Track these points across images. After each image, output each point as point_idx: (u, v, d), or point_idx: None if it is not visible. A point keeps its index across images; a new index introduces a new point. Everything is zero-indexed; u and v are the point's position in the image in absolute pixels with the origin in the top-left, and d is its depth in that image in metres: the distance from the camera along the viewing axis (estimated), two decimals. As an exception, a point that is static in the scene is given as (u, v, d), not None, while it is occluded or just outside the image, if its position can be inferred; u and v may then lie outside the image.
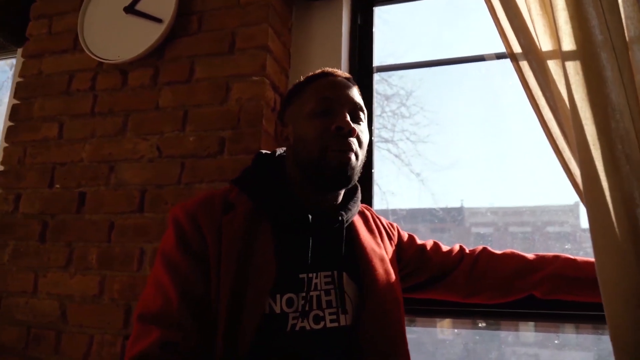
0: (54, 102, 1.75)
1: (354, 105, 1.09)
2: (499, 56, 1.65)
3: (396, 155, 1.78)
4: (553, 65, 1.26)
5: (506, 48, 1.37)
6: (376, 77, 1.79)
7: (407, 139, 1.79)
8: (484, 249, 1.29)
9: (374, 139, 1.72)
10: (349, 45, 1.75)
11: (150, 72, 1.65)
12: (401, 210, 1.71)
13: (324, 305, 1.01)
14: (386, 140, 1.81)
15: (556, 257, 1.22)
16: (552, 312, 1.29)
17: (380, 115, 1.84)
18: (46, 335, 1.50)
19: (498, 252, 1.27)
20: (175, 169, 1.52)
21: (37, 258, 1.60)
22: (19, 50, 2.10)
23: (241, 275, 0.97)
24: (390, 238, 1.25)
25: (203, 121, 1.54)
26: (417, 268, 1.26)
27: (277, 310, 0.96)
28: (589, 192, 1.08)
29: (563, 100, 1.22)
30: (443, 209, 1.64)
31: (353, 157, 1.04)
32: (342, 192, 1.14)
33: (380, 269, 1.09)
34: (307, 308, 0.99)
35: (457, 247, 1.31)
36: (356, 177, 1.08)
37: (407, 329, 1.38)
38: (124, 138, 1.62)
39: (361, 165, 1.10)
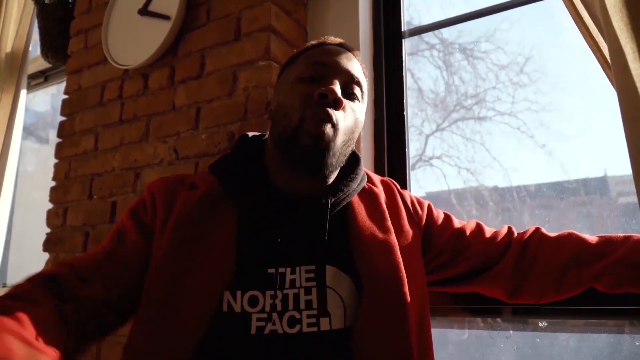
0: (90, 115, 1.78)
1: (349, 77, 0.92)
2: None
3: (517, 128, 1.58)
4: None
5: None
6: (489, 45, 1.59)
7: (528, 109, 1.58)
8: (537, 230, 1.01)
9: (490, 113, 1.52)
10: (371, 10, 1.55)
11: (167, 72, 1.60)
12: (528, 186, 1.51)
13: (302, 305, 0.84)
14: (502, 113, 1.62)
15: (627, 239, 0.92)
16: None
17: (494, 88, 1.65)
18: (88, 345, 1.52)
19: (553, 234, 0.99)
20: (190, 170, 1.45)
21: (81, 269, 1.63)
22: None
23: (187, 262, 0.84)
24: (413, 219, 1.01)
25: (214, 116, 1.45)
26: (452, 257, 1.02)
27: (237, 309, 0.82)
28: (634, 146, 0.80)
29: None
30: (580, 180, 1.40)
31: (330, 131, 0.87)
32: (333, 171, 0.96)
33: (381, 261, 0.88)
34: (279, 309, 0.83)
35: (504, 230, 1.04)
36: (335, 160, 0.90)
37: (450, 331, 1.18)
38: (146, 143, 1.59)
39: (346, 147, 0.92)
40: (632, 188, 0.98)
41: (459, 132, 1.66)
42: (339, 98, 0.87)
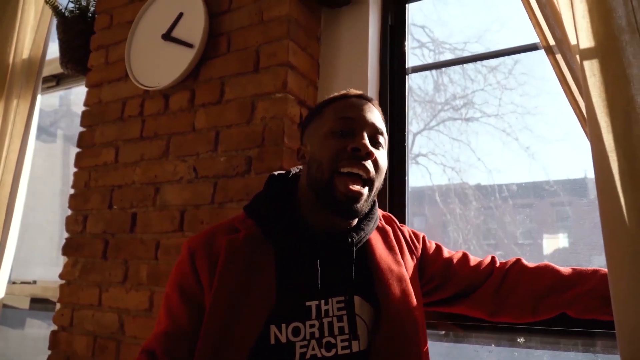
0: (111, 129, 1.90)
1: (375, 129, 1.06)
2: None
3: (502, 130, 1.68)
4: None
5: (541, 40, 1.26)
6: (479, 46, 1.69)
7: (514, 112, 1.67)
8: (517, 261, 1.18)
9: (477, 114, 1.64)
10: (378, 48, 1.70)
11: (188, 95, 1.73)
12: (510, 185, 1.61)
13: (336, 332, 1.00)
14: (489, 115, 1.72)
15: (594, 273, 1.10)
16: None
17: (482, 90, 1.75)
18: (109, 345, 1.66)
19: (532, 265, 1.17)
20: (209, 189, 1.59)
21: (101, 274, 1.76)
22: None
23: (236, 301, 0.99)
24: (412, 251, 1.19)
25: (232, 141, 1.59)
26: (441, 283, 1.20)
27: (283, 340, 0.97)
28: (605, 212, 0.96)
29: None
30: (561, 181, 1.51)
31: (365, 190, 1.01)
32: None
33: (397, 290, 1.05)
34: (317, 336, 0.99)
35: (487, 260, 1.21)
36: (366, 209, 1.05)
37: (438, 344, 1.34)
38: (166, 160, 1.72)
39: (375, 193, 1.07)
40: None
41: (445, 131, 1.77)
42: (371, 151, 1.00)
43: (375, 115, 1.08)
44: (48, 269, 2.84)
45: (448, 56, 1.82)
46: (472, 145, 1.70)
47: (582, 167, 1.51)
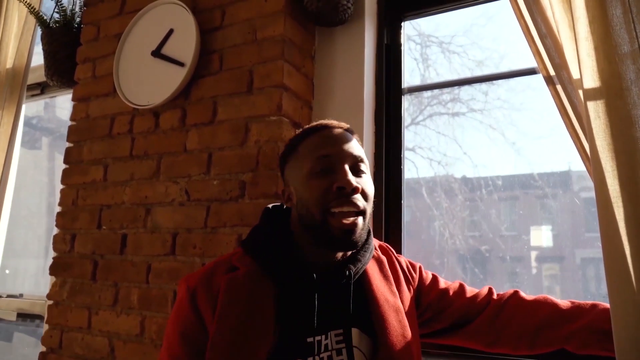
0: (99, 145, 1.85)
1: (355, 159, 1.04)
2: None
3: (489, 125, 1.67)
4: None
5: (541, 70, 1.24)
6: (465, 40, 1.67)
7: (501, 107, 1.67)
8: (515, 293, 1.17)
9: (464, 109, 1.63)
10: (374, 67, 1.66)
11: (179, 114, 1.68)
12: (496, 177, 1.60)
13: None
14: (475, 110, 1.71)
15: (593, 307, 1.09)
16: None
17: (469, 85, 1.75)
18: (99, 371, 1.63)
19: (530, 297, 1.16)
20: (201, 213, 1.55)
21: (90, 296, 1.72)
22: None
23: (235, 342, 0.97)
24: (408, 282, 1.18)
25: (225, 164, 1.55)
26: (437, 314, 1.19)
27: None
28: (608, 258, 0.95)
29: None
30: (545, 174, 1.50)
31: (359, 220, 1.00)
32: None
33: (394, 322, 1.05)
34: None
35: (484, 291, 1.21)
36: (364, 238, 1.04)
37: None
38: (157, 181, 1.68)
39: (369, 221, 1.06)
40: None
41: (433, 125, 1.76)
42: (356, 187, 0.98)
43: (351, 144, 1.05)
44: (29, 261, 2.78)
45: (435, 50, 1.82)
46: (458, 140, 1.71)
47: (567, 160, 1.51)
